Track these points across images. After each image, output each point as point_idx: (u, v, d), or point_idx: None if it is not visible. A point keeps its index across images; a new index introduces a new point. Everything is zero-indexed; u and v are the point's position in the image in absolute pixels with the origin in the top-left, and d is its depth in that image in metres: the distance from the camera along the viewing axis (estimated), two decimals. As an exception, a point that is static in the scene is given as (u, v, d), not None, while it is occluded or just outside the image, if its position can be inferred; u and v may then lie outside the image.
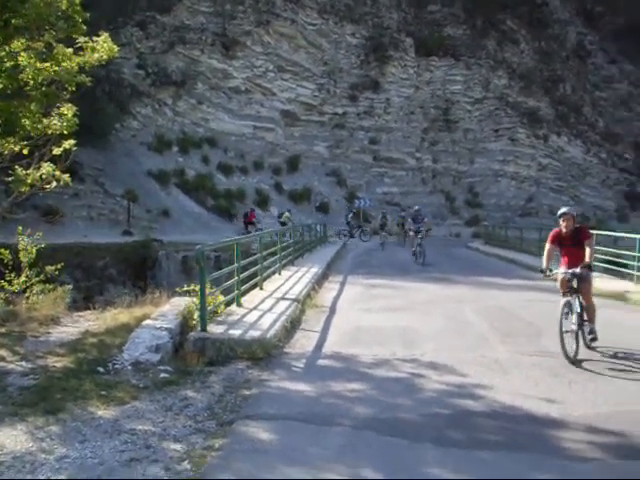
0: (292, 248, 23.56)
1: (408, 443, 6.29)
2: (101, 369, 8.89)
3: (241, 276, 13.55)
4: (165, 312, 11.47)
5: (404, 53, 69.04)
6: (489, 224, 50.06)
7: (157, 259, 36.14)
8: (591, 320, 10.15)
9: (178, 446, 6.17)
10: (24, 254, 15.33)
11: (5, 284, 14.87)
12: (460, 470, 5.64)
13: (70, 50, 15.11)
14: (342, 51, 66.56)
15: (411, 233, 27.52)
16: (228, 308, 12.66)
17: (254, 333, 10.49)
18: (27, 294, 15.01)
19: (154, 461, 5.80)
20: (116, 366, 8.99)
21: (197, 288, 11.79)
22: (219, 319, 11.52)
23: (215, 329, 10.59)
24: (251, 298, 14.16)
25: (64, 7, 14.05)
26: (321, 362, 9.55)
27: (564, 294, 10.01)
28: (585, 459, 5.98)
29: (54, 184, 16.00)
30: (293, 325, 12.06)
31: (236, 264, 13.37)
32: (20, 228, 15.82)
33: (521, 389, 8.02)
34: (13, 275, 15.02)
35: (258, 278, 15.76)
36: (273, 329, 10.88)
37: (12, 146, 15.33)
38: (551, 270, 10.31)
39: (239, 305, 13.09)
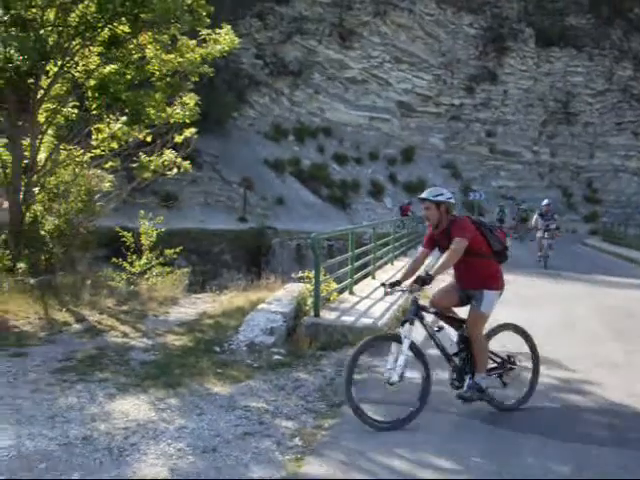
0: (406, 239, 23.65)
1: (514, 434, 6.36)
2: (217, 348, 9.27)
3: (354, 265, 13.78)
4: (279, 297, 11.79)
5: (523, 44, 67.64)
6: (608, 221, 48.73)
7: (271, 246, 36.88)
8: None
9: (289, 424, 6.43)
10: (145, 237, 15.99)
11: (127, 265, 15.57)
12: (565, 462, 5.68)
13: (194, 42, 15.69)
14: (460, 42, 65.78)
15: (538, 234, 23.21)
16: (340, 296, 12.91)
17: (366, 320, 10.70)
18: (147, 275, 15.69)
19: (267, 436, 6.08)
20: (231, 346, 9.35)
21: (311, 275, 12.12)
22: (332, 306, 11.78)
23: (328, 315, 10.85)
24: (363, 287, 14.36)
25: (189, 1, 14.57)
26: (431, 351, 9.65)
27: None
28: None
29: (175, 170, 16.67)
30: (404, 315, 12.14)
31: (350, 253, 13.61)
32: (142, 212, 16.51)
33: (631, 387, 7.93)
34: (134, 257, 15.70)
35: (371, 267, 15.96)
36: (384, 317, 11.07)
37: (137, 134, 16.02)
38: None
39: (351, 293, 13.32)
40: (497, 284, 7.20)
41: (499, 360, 7.32)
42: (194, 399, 7.03)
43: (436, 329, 7.14)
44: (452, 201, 7.11)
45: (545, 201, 24.09)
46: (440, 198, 7.02)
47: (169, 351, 9.15)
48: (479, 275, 7.07)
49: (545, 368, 8.64)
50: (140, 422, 6.29)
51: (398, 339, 6.75)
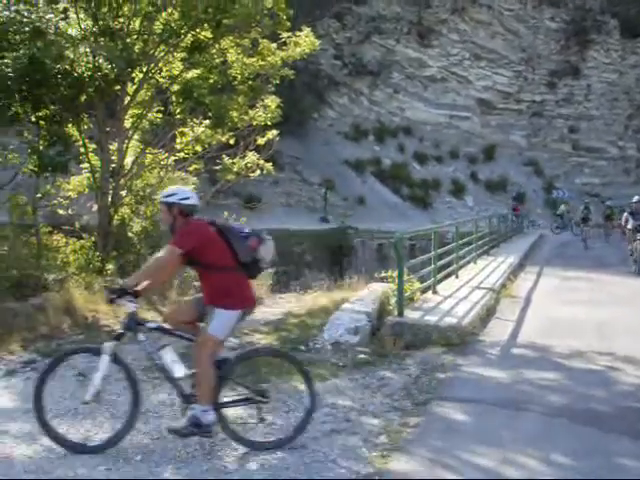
0: (488, 238, 23.46)
1: (601, 433, 6.29)
2: (302, 347, 9.41)
3: (437, 264, 13.78)
4: (363, 297, 11.87)
5: (608, 36, 66.21)
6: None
7: (353, 246, 37.04)
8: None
9: (375, 421, 6.50)
10: (228, 238, 16.21)
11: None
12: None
13: (274, 45, 15.90)
14: (541, 36, 64.83)
15: (630, 232, 19.62)
16: (424, 295, 12.92)
17: (449, 320, 10.69)
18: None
19: (353, 433, 6.16)
20: (316, 345, 9.47)
21: (394, 274, 12.16)
22: (415, 305, 11.80)
23: (411, 314, 10.88)
24: (446, 286, 14.34)
25: (270, 5, 14.78)
26: (515, 351, 9.62)
27: None
28: None
29: (257, 172, 16.90)
30: (488, 314, 12.13)
31: (433, 252, 13.62)
32: (226, 213, 16.79)
33: None
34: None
35: (454, 266, 15.91)
36: (468, 317, 11.04)
37: (220, 137, 16.32)
38: None
39: (435, 292, 13.32)
40: (235, 302, 5.93)
41: (245, 392, 6.18)
42: (282, 396, 7.15)
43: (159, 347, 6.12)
44: (189, 202, 5.87)
45: (636, 197, 20.61)
46: (170, 199, 5.89)
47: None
48: (213, 290, 5.93)
49: (634, 368, 8.54)
50: (230, 419, 6.44)
51: (97, 352, 5.90)
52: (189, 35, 14.73)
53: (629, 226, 19.76)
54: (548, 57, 64.88)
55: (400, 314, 10.67)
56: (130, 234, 15.28)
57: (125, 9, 14.38)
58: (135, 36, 14.56)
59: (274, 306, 12.98)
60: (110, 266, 14.48)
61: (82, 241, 15.00)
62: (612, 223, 32.58)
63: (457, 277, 15.86)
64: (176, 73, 15.40)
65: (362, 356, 9.06)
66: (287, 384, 7.51)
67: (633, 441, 6.11)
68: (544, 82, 64.02)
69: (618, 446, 5.97)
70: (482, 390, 7.53)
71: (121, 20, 14.39)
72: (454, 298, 12.87)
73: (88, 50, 13.62)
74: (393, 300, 11.44)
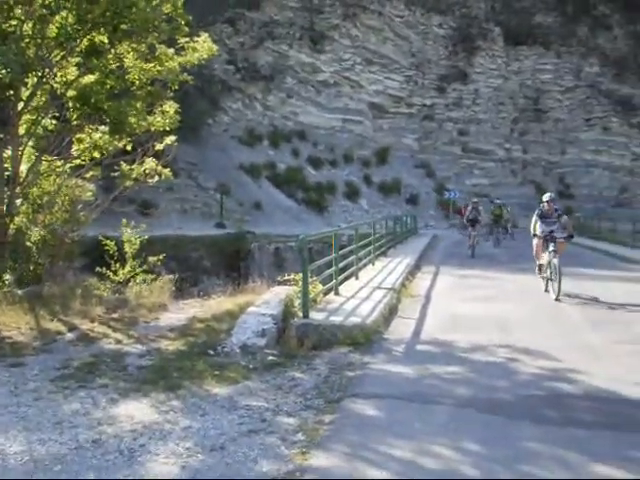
0: (385, 240, 23.90)
1: (506, 420, 6.59)
2: (211, 352, 9.44)
3: (339, 266, 14.00)
4: (267, 300, 11.98)
5: (492, 43, 68.47)
6: (581, 215, 49.35)
7: (250, 251, 37.01)
8: None
9: (291, 420, 6.62)
10: (129, 245, 16.05)
11: (111, 274, 15.64)
12: (555, 444, 5.92)
13: (172, 50, 15.84)
14: (430, 42, 66.46)
15: (536, 242, 15.67)
16: (327, 297, 13.10)
17: (354, 319, 10.90)
18: (130, 284, 15.77)
19: (271, 432, 6.26)
20: (225, 349, 9.51)
21: (297, 277, 12.32)
22: (319, 307, 11.96)
23: (316, 316, 11.04)
24: (348, 287, 14.57)
25: (168, 10, 14.73)
26: (420, 347, 9.90)
27: None
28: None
29: (156, 178, 16.80)
30: (390, 313, 12.40)
31: (334, 254, 13.83)
32: (125, 221, 16.57)
33: (615, 374, 8.17)
34: (118, 266, 15.77)
35: (354, 268, 16.18)
36: (372, 316, 11.27)
37: (117, 143, 16.14)
38: None
39: (337, 294, 13.52)
40: None
41: None
42: (195, 400, 7.19)
43: None
44: None
45: (547, 195, 15.99)
46: None
47: (164, 355, 9.31)
48: None
49: (532, 359, 8.94)
50: (146, 424, 6.46)
51: None
52: (85, 39, 14.52)
53: (538, 232, 15.46)
54: (437, 62, 66.51)
55: (305, 315, 10.82)
56: (28, 243, 14.93)
57: (18, 11, 14.06)
58: (28, 40, 14.25)
59: (178, 312, 12.91)
60: (7, 277, 14.15)
61: (-25, 252, 14.60)
62: (501, 223, 32.24)
63: (357, 278, 16.13)
64: (72, 78, 15.14)
65: (271, 358, 9.16)
66: (200, 388, 7.55)
67: (536, 426, 6.43)
68: (434, 87, 65.59)
69: (523, 432, 6.28)
70: (391, 386, 7.75)
71: (14, 23, 14.07)
72: (356, 299, 13.10)
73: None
74: (297, 302, 11.58)
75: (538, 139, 67.59)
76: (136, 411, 6.86)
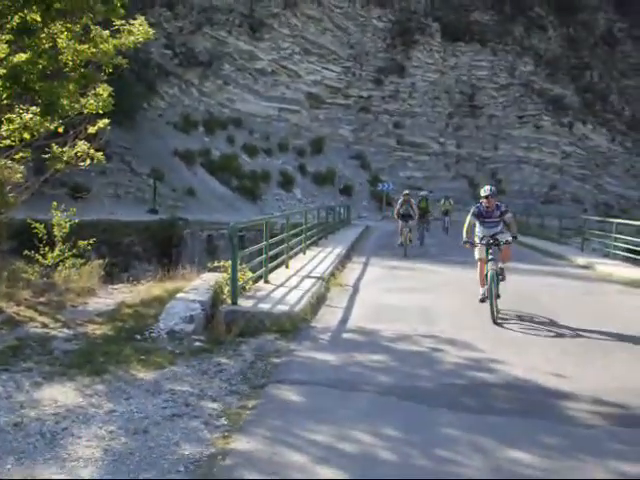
0: (316, 229, 24.05)
1: (425, 408, 6.80)
2: (138, 337, 9.44)
3: (269, 254, 14.08)
4: (197, 286, 12.00)
5: (430, 38, 69.22)
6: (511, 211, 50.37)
7: (182, 237, 36.82)
8: None
9: (215, 405, 6.70)
10: (58, 229, 15.83)
11: (39, 258, 15.42)
12: (471, 431, 6.14)
13: (107, 32, 15.62)
14: (368, 34, 66.83)
15: (477, 253, 12.38)
16: (256, 284, 13.19)
17: (282, 307, 11.02)
18: (59, 268, 15.58)
19: (194, 417, 6.34)
20: (152, 334, 9.53)
21: (227, 264, 12.36)
22: (248, 294, 12.05)
23: (245, 303, 11.13)
24: (277, 276, 14.67)
25: (104, -9, 14.55)
26: (345, 335, 10.07)
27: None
28: (589, 426, 6.46)
29: (88, 162, 16.57)
30: (318, 301, 12.55)
31: (265, 242, 13.90)
32: (55, 204, 16.33)
33: (534, 364, 8.47)
34: (47, 249, 15.56)
35: (284, 257, 16.27)
36: (300, 304, 11.40)
37: (49, 125, 15.89)
38: None
39: (266, 282, 13.62)
40: None
41: None
42: (120, 385, 7.22)
43: None
44: None
45: (486, 189, 12.25)
46: None
47: (91, 340, 9.27)
48: None
49: (455, 349, 9.18)
50: (69, 408, 6.46)
51: None
52: (16, 16, 14.24)
53: (477, 237, 12.28)
54: (375, 55, 66.92)
55: (234, 302, 10.90)
56: (-47, 224, 14.66)
57: (-55, -15, 13.74)
58: (-44, 15, 13.94)
59: (107, 297, 12.83)
60: None
61: None
62: (427, 217, 28.48)
63: (287, 267, 16.24)
64: (1, 56, 14.86)
65: (198, 344, 9.21)
66: (126, 373, 7.57)
67: (454, 413, 6.64)
68: (371, 79, 66.00)
69: (441, 418, 6.49)
70: (316, 373, 7.89)
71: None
72: (285, 287, 13.21)
73: None
74: (227, 289, 11.64)
75: (472, 134, 68.63)
76: (60, 395, 6.85)
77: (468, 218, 12.40)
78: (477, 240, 12.19)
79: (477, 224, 12.37)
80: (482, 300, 12.11)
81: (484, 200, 12.10)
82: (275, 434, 5.92)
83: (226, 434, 5.91)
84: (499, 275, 11.84)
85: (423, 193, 31.52)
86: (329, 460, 5.39)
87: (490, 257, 11.73)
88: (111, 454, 5.43)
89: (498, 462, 5.49)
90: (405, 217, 23.37)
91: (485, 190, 12.19)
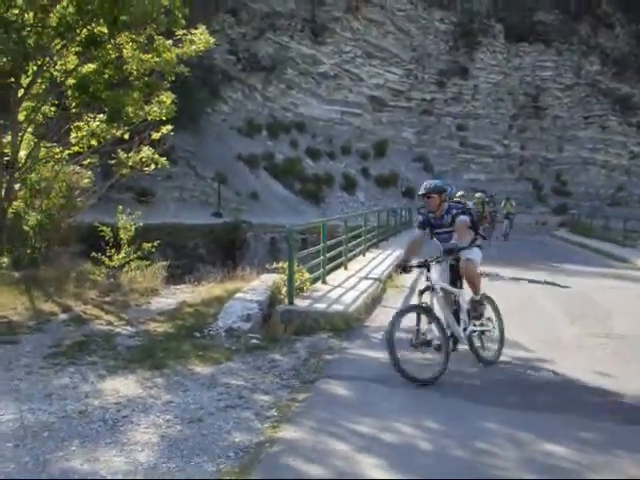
0: (376, 232, 24.31)
1: (468, 403, 7.02)
2: (197, 334, 9.88)
3: (327, 256, 14.41)
4: (255, 287, 12.40)
5: (493, 39, 68.74)
6: (576, 213, 49.75)
7: (246, 240, 37.43)
8: None
9: (266, 397, 7.05)
10: (124, 232, 16.43)
11: (106, 259, 16.04)
12: (510, 425, 6.35)
13: (169, 42, 16.21)
14: (431, 37, 66.72)
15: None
16: (314, 285, 13.52)
17: (337, 307, 11.33)
18: (125, 269, 16.17)
19: (246, 408, 6.69)
20: (211, 332, 9.95)
21: (285, 266, 12.73)
22: (305, 294, 12.40)
23: (301, 303, 11.48)
24: (335, 277, 14.98)
25: (166, 3, 15.10)
26: (397, 335, 10.28)
27: None
28: (629, 423, 6.61)
29: (152, 167, 17.18)
30: (374, 302, 12.83)
31: (322, 244, 14.23)
32: (121, 207, 16.94)
33: (581, 365, 8.60)
34: (113, 251, 16.16)
35: (343, 258, 16.58)
36: (355, 304, 11.69)
37: (115, 131, 16.54)
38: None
39: (324, 282, 13.94)
40: None
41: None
42: (178, 378, 7.62)
43: None
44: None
45: (424, 186, 8.82)
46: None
47: (152, 337, 9.74)
48: None
49: (504, 348, 9.36)
50: (130, 398, 6.89)
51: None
52: (85, 29, 14.91)
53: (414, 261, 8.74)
54: (438, 57, 66.79)
55: (290, 302, 11.27)
56: (26, 228, 15.35)
57: (19, 1, 14.44)
58: (29, 29, 14.64)
59: (170, 297, 13.34)
60: (4, 259, 14.56)
61: (-27, 234, 15.03)
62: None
63: (346, 268, 16.54)
64: (71, 67, 15.54)
65: (254, 341, 9.59)
66: (184, 367, 7.97)
67: (495, 408, 6.87)
68: (433, 81, 65.88)
69: (482, 413, 6.71)
70: (365, 369, 8.18)
71: (15, 12, 14.45)
72: (342, 288, 13.51)
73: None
74: (284, 290, 12.00)
75: (536, 136, 67.89)
76: (122, 386, 7.28)
77: (414, 232, 9.74)
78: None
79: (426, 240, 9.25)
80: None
81: (426, 199, 8.83)
82: (321, 425, 6.24)
83: (275, 424, 6.24)
84: (472, 315, 8.65)
85: (478, 195, 26.78)
86: (370, 449, 5.68)
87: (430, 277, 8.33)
88: (167, 440, 5.81)
89: (532, 454, 5.69)
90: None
91: (423, 187, 8.88)
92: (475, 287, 8.65)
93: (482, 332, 8.74)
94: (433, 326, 7.98)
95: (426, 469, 5.31)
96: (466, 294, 8.71)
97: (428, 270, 8.25)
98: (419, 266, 8.43)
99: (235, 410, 6.64)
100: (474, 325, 8.57)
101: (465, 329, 8.46)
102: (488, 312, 8.91)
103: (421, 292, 8.20)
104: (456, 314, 8.50)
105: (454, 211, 8.63)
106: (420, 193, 8.86)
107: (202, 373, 7.87)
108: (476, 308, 8.63)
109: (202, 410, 6.58)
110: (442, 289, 8.36)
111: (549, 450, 5.80)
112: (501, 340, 8.90)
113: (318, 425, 6.23)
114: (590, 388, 7.67)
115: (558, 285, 15.99)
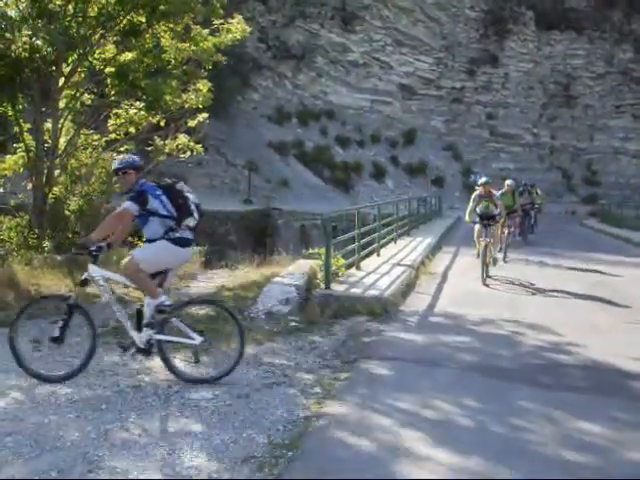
0: (407, 220, 24.52)
1: (505, 383, 7.28)
2: (239, 316, 10.15)
3: (361, 242, 14.67)
4: (292, 271, 12.66)
5: (524, 27, 68.24)
6: (607, 202, 49.55)
7: (276, 227, 37.71)
8: None
9: (310, 376, 7.33)
10: (160, 216, 16.69)
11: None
12: (546, 404, 6.59)
13: (207, 31, 16.48)
14: (461, 25, 66.37)
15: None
16: (348, 271, 13.80)
17: (373, 292, 11.61)
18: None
19: (291, 385, 6.99)
20: (251, 314, 10.24)
21: (321, 251, 13.02)
22: (340, 279, 12.68)
23: (337, 287, 11.77)
24: (369, 263, 15.25)
25: (204, -7, 15.38)
26: (432, 319, 10.58)
27: None
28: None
29: (188, 154, 17.50)
30: (408, 288, 13.08)
31: (357, 230, 14.49)
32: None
33: (613, 349, 8.78)
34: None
35: (375, 245, 16.83)
36: (390, 290, 11.95)
37: (151, 119, 16.86)
38: None
39: (358, 269, 14.21)
40: None
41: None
42: (223, 357, 7.91)
43: None
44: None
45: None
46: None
47: (195, 319, 10.02)
48: None
49: (536, 333, 9.59)
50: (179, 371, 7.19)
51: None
52: (124, 19, 15.21)
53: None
54: (467, 45, 66.49)
55: (327, 287, 11.57)
56: (67, 212, 15.73)
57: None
58: (70, 19, 14.95)
59: (208, 281, 13.65)
60: (47, 243, 14.93)
61: (17, 219, 15.40)
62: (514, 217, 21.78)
63: (379, 255, 16.79)
64: (110, 56, 15.86)
65: (293, 324, 9.87)
66: (228, 347, 8.25)
67: (531, 388, 7.11)
68: (463, 69, 65.64)
69: (519, 393, 6.96)
70: (403, 351, 8.46)
71: (58, 3, 14.77)
72: (376, 274, 13.77)
73: (27, 32, 14.02)
74: (320, 275, 12.29)
75: (567, 125, 67.46)
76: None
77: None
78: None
79: None
80: None
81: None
82: (364, 401, 6.51)
83: (320, 400, 6.52)
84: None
85: (509, 182, 21.77)
86: (412, 424, 5.95)
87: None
88: (218, 413, 6.11)
89: (567, 431, 5.93)
90: (485, 218, 15.51)
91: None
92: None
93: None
94: None
95: (468, 443, 5.56)
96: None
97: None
98: None
99: (280, 387, 6.93)
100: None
101: None
102: None
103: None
104: None
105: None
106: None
107: (247, 352, 8.14)
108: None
109: (248, 387, 6.88)
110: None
111: (583, 428, 6.03)
112: None
113: (362, 401, 6.50)
114: (623, 371, 7.87)
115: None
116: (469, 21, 66.66)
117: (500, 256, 17.45)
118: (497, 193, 16.73)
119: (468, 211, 15.62)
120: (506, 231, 18.80)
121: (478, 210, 15.39)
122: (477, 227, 15.31)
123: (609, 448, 5.62)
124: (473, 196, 15.76)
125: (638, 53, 70.65)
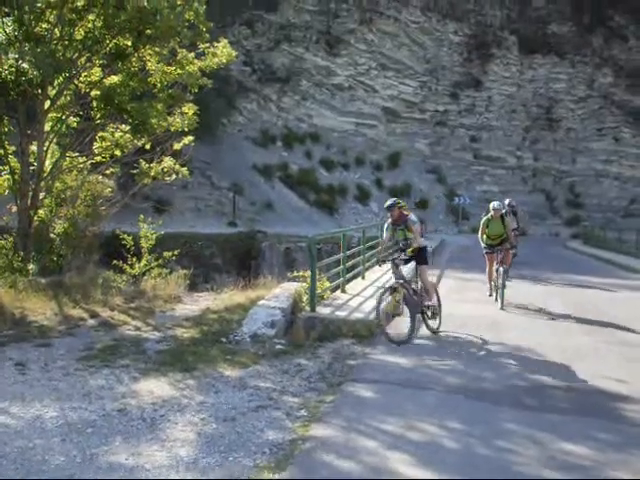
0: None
1: (489, 405, 7.31)
2: (224, 339, 10.18)
3: (346, 265, 14.70)
4: (277, 294, 12.68)
5: (507, 51, 69.08)
6: (589, 225, 49.89)
7: (261, 250, 37.73)
8: None
9: (295, 399, 7.35)
10: (145, 240, 16.73)
11: (127, 267, 16.36)
12: (530, 426, 6.62)
13: (192, 55, 16.57)
14: (444, 49, 67.08)
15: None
16: (334, 294, 13.83)
17: (358, 315, 11.64)
18: (146, 277, 16.48)
19: (277, 408, 7.00)
20: (236, 337, 10.25)
21: (306, 274, 13.05)
22: (326, 302, 12.71)
23: (323, 310, 11.80)
24: (354, 286, 15.29)
25: (190, 18, 15.46)
26: (417, 341, 10.61)
27: None
28: (646, 425, 6.89)
29: (173, 177, 17.52)
30: (394, 310, 13.07)
31: (342, 254, 14.53)
32: (142, 216, 17.25)
33: (595, 371, 8.83)
34: (134, 259, 16.49)
35: (360, 268, 16.87)
36: (375, 312, 11.97)
37: (137, 142, 16.89)
38: None
39: (343, 291, 14.25)
40: None
41: None
42: (209, 380, 7.93)
43: None
44: None
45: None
46: None
47: (180, 342, 10.05)
48: None
49: (520, 355, 9.64)
50: (165, 398, 7.20)
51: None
52: (111, 43, 15.26)
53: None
54: (451, 69, 67.14)
55: (313, 309, 11.60)
56: (52, 235, 15.70)
57: (49, 15, 14.80)
58: (56, 42, 14.99)
59: (193, 304, 13.66)
60: (31, 266, 14.89)
61: (1, 242, 15.35)
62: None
63: (364, 278, 16.84)
64: (96, 79, 15.90)
65: (279, 347, 9.89)
66: (214, 370, 8.25)
67: (515, 411, 7.14)
68: (447, 93, 66.25)
69: (503, 415, 6.99)
70: (388, 373, 8.48)
71: (45, 26, 14.81)
72: (361, 296, 13.82)
73: (13, 55, 14.06)
74: (305, 298, 12.33)
75: (549, 148, 68.13)
76: (156, 388, 7.60)
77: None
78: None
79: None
80: None
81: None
82: (350, 424, 6.53)
83: (306, 423, 6.54)
84: None
85: (495, 205, 15.61)
86: (398, 446, 5.98)
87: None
88: (204, 437, 6.12)
89: (552, 452, 5.98)
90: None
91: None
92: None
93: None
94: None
95: (453, 465, 5.60)
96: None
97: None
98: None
99: (266, 410, 6.95)
100: None
101: None
102: None
103: None
104: None
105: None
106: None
107: (232, 376, 8.17)
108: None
109: (235, 410, 6.89)
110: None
111: (567, 449, 6.08)
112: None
113: (347, 424, 6.52)
114: (604, 392, 7.92)
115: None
116: (453, 45, 67.39)
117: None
118: (482, 219, 15.35)
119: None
120: (501, 269, 14.70)
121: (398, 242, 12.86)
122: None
123: (593, 468, 5.67)
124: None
125: (618, 77, 71.62)
